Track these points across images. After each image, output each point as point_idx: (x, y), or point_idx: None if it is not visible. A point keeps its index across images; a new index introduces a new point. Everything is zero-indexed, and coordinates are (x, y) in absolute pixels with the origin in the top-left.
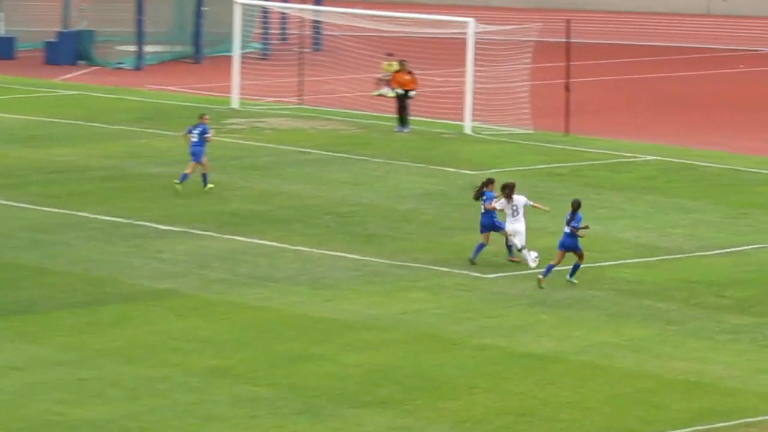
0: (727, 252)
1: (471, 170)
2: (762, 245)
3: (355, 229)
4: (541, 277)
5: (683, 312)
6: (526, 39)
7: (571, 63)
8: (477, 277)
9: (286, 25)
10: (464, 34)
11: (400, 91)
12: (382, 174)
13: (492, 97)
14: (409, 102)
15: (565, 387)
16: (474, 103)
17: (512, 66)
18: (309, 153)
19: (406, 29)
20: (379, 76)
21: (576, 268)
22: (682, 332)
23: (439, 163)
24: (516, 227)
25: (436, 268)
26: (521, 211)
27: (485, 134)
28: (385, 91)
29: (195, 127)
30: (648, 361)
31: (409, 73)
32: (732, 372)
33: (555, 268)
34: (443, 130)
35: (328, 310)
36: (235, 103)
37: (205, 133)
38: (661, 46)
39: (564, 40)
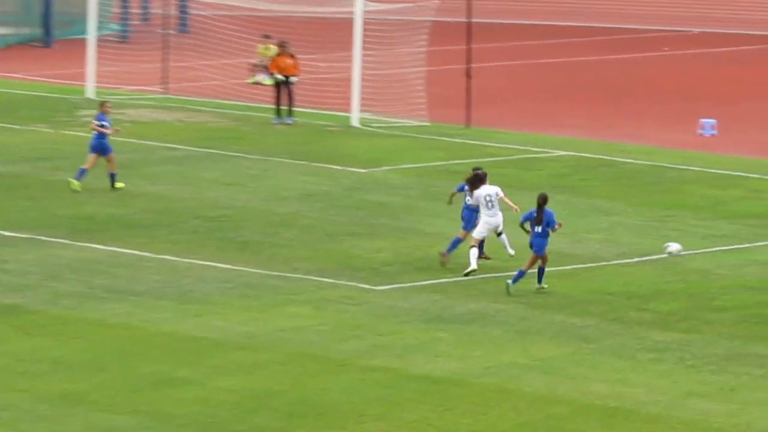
0: (649, 260)
1: (359, 168)
2: (690, 252)
3: (227, 235)
4: (510, 282)
5: (601, 328)
6: (421, 19)
7: (473, 46)
8: (366, 289)
9: (148, 4)
10: (351, 13)
11: (279, 77)
12: (258, 173)
13: (383, 85)
14: (293, 89)
15: (465, 414)
16: (362, 92)
17: (406, 50)
18: (175, 149)
19: (285, 8)
20: (254, 61)
21: (541, 272)
22: (600, 351)
23: (322, 160)
24: (496, 221)
25: (319, 279)
26: (497, 204)
27: (375, 127)
28: (261, 78)
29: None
30: (561, 383)
31: (291, 56)
32: (655, 396)
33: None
34: (328, 123)
35: (196, 328)
36: (90, 93)
37: (102, 124)
38: (575, 26)
39: (464, 20)
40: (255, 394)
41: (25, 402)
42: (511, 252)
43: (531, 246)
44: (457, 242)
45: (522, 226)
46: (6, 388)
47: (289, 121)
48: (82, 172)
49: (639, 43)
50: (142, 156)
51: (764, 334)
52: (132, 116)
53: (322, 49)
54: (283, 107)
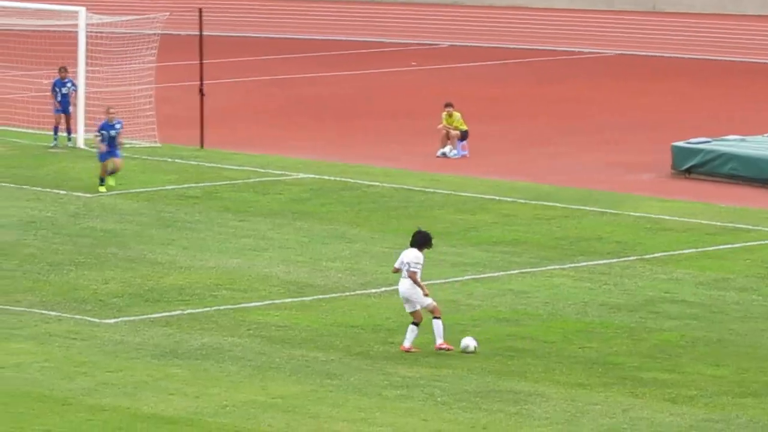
0: (395, 290)
1: (85, 192)
2: (438, 280)
3: None
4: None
5: (344, 363)
6: (150, 32)
7: (206, 61)
8: (93, 322)
9: None
10: (75, 26)
11: None
12: None
13: (109, 103)
14: None
15: None
16: (87, 111)
17: (133, 65)
18: None
19: (3, 21)
20: None
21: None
22: (344, 387)
23: (45, 185)
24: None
25: (43, 312)
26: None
27: None
28: None
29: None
30: (302, 423)
31: None
32: None
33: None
34: (50, 144)
35: None
36: None
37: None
38: (317, 39)
39: (196, 33)
40: None
41: None
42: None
43: None
44: None
45: None
46: None
47: None
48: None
49: (385, 57)
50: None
51: (518, 368)
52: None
53: (44, 64)
54: None
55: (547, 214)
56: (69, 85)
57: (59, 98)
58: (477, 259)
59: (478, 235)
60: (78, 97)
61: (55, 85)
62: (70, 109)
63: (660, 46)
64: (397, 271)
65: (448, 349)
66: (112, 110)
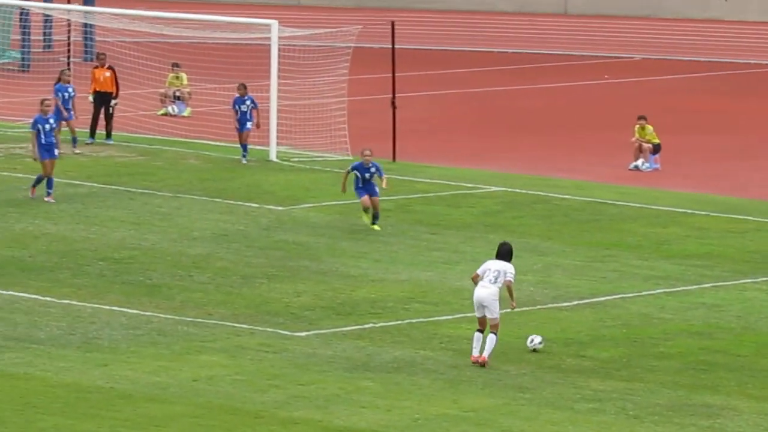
0: (588, 303)
1: (277, 205)
2: (630, 294)
3: (135, 278)
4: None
5: (537, 376)
6: (342, 45)
7: (398, 74)
8: (285, 335)
9: (50, 31)
10: (267, 39)
11: (92, 98)
12: (169, 211)
13: (302, 117)
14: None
15: None
16: (280, 124)
17: (326, 78)
18: (79, 185)
19: (196, 34)
20: (162, 90)
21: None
22: (536, 401)
23: (238, 198)
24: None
25: (234, 325)
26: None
27: (294, 162)
28: (171, 109)
29: None
30: None
31: (110, 68)
32: None
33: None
34: (250, 156)
35: (102, 378)
36: None
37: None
38: (508, 53)
39: (388, 46)
40: None
41: None
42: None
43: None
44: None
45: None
46: None
47: (109, 142)
48: None
49: (577, 70)
50: (43, 193)
51: (711, 382)
52: (32, 151)
53: (236, 78)
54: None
55: (740, 227)
56: (248, 102)
57: (239, 116)
58: (669, 272)
59: (670, 248)
60: (270, 109)
61: (235, 102)
62: (248, 125)
63: None
64: (478, 277)
65: (484, 363)
66: (367, 152)
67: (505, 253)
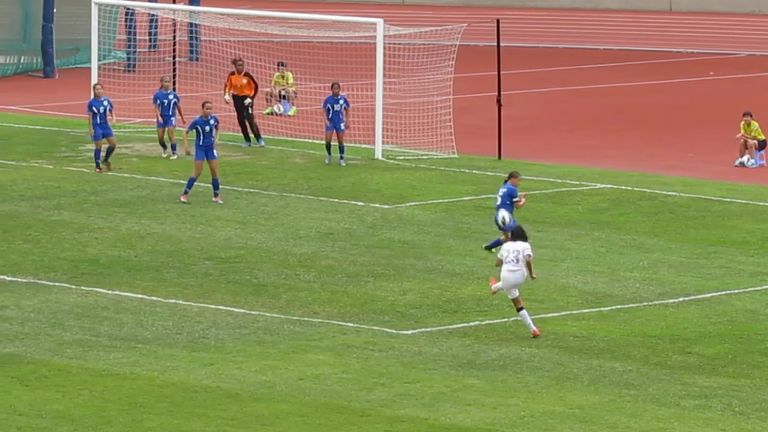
0: (694, 300)
1: (383, 204)
2: (736, 291)
3: (241, 277)
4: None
5: (642, 373)
6: (448, 43)
7: (503, 71)
8: (391, 333)
9: (155, 30)
10: (372, 38)
11: (228, 97)
12: (275, 210)
13: (407, 115)
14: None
15: None
16: (385, 122)
17: (431, 76)
18: (184, 185)
19: (301, 33)
20: (268, 90)
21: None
22: (642, 398)
23: (344, 196)
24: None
25: (341, 323)
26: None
27: (400, 160)
28: (277, 108)
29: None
30: None
31: (247, 75)
32: None
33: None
34: (349, 156)
35: (208, 377)
36: None
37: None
38: (613, 50)
39: (494, 44)
40: None
41: None
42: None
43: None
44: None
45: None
46: None
47: (260, 144)
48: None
49: (682, 67)
50: (149, 193)
51: None
52: (139, 150)
53: (342, 76)
54: (250, 132)
55: None
56: (341, 101)
57: (330, 115)
58: None
59: None
60: (376, 107)
61: (327, 101)
62: (341, 126)
63: None
64: (500, 263)
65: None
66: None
67: (518, 233)
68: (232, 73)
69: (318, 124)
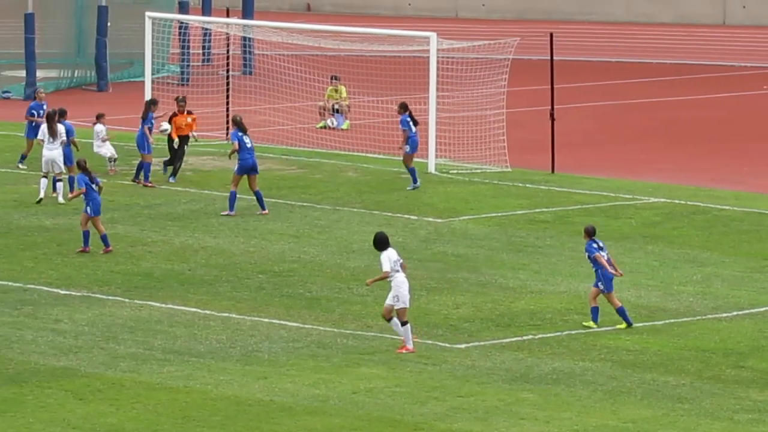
0: (747, 313)
1: (436, 217)
2: None
3: (295, 290)
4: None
5: (696, 387)
6: (501, 57)
7: (557, 85)
8: (444, 347)
9: (209, 44)
10: (425, 52)
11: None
12: (328, 224)
13: (461, 129)
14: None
15: None
16: (438, 136)
17: (484, 90)
18: (239, 199)
19: (354, 47)
20: (321, 103)
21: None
22: (695, 412)
23: (397, 210)
24: None
25: (394, 337)
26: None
27: (453, 174)
28: (330, 122)
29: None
30: None
31: (189, 113)
32: None
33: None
34: (402, 170)
35: (262, 391)
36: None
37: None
38: (667, 63)
39: (547, 57)
40: None
41: None
42: None
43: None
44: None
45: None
46: None
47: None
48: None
49: (736, 81)
50: (203, 206)
51: None
52: (192, 164)
53: (394, 90)
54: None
55: None
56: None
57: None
58: None
59: None
60: (429, 121)
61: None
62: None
63: None
64: (387, 276)
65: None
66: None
67: (388, 243)
68: (175, 114)
69: (371, 138)
